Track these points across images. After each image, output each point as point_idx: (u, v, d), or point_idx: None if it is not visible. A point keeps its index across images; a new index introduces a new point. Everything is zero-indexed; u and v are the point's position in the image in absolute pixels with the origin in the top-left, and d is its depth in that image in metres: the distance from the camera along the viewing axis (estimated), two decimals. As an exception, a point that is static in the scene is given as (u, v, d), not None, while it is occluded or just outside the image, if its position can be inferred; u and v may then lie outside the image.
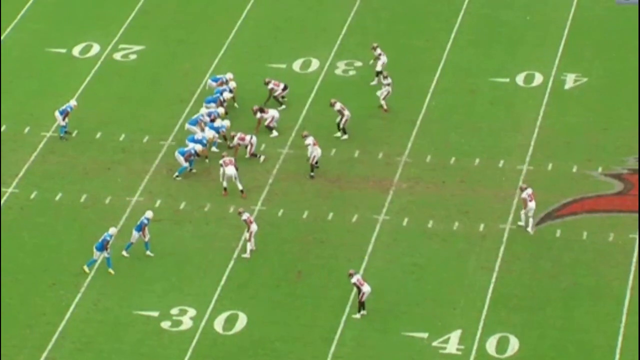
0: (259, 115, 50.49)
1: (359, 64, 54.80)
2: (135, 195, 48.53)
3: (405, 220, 47.09)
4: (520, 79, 53.15)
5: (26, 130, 51.25)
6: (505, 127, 50.89)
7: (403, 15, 57.63)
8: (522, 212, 45.89)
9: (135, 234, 45.29)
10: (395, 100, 52.24)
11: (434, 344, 42.28)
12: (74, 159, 49.48)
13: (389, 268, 45.20)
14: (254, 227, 45.16)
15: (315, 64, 55.00)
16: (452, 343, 42.28)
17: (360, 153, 50.06)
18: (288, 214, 47.56)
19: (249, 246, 45.34)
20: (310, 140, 48.60)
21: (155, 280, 44.95)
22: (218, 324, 43.35)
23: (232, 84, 51.78)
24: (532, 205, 45.41)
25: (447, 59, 54.76)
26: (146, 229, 45.09)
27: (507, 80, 52.83)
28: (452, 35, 56.09)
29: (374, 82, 52.56)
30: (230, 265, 45.41)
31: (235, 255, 45.73)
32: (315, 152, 48.42)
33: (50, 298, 44.24)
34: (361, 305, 43.08)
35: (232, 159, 47.80)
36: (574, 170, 48.82)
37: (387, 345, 42.18)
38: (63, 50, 55.96)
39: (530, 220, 45.79)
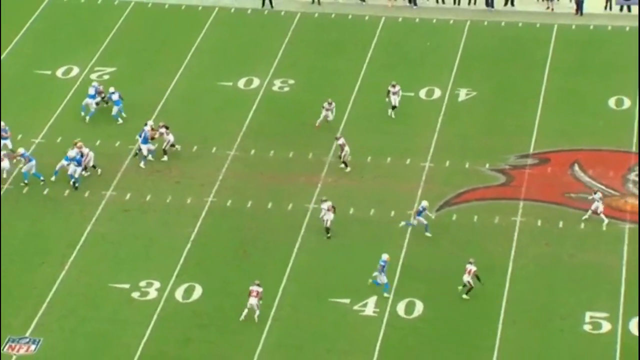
0: (163, 130, 49.71)
1: (292, 81, 54.77)
2: (109, 190, 48.28)
3: (331, 208, 47.19)
4: (422, 93, 53.31)
5: (19, 137, 50.83)
6: (411, 132, 51.05)
7: (328, 43, 57.62)
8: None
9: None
10: (320, 110, 52.22)
11: (355, 307, 42.37)
12: (58, 162, 49.00)
13: (319, 247, 45.22)
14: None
15: (256, 81, 54.90)
16: (370, 307, 42.38)
17: (294, 154, 50.03)
18: (235, 204, 47.48)
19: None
20: (342, 140, 48.58)
21: (127, 259, 44.83)
22: (178, 294, 43.28)
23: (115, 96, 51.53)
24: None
25: (364, 78, 54.82)
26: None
27: (412, 94, 52.97)
28: (367, 59, 56.14)
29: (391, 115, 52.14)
30: (187, 247, 45.32)
31: (192, 238, 45.63)
32: (346, 149, 48.49)
33: (40, 274, 43.99)
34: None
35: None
36: (467, 166, 49.02)
37: (317, 310, 42.24)
38: (48, 72, 55.53)
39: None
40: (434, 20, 59.06)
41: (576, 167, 48.72)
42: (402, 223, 45.32)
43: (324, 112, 50.88)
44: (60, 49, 57.21)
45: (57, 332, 41.58)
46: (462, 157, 49.34)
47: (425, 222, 45.02)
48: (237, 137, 51.08)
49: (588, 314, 41.59)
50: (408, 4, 60.25)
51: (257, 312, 41.26)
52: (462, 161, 49.15)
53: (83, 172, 48.12)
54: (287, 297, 42.90)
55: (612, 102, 52.44)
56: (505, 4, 59.73)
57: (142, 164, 49.18)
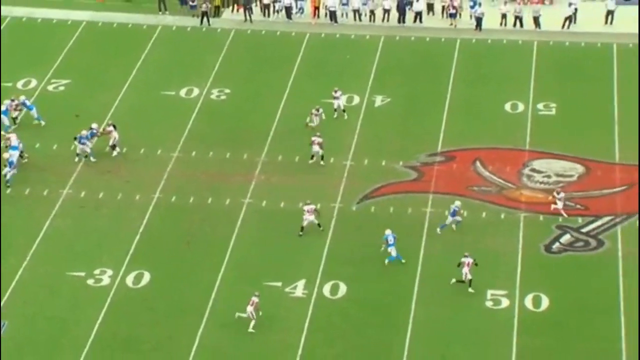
0: (110, 128, 49.29)
1: (228, 90, 54.39)
2: (66, 188, 47.59)
3: (264, 202, 46.85)
4: (343, 101, 53.10)
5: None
6: (334, 134, 50.85)
7: (259, 56, 57.32)
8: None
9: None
10: (254, 117, 52.08)
11: (286, 290, 42.15)
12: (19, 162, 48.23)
13: (253, 236, 44.95)
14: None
15: (196, 91, 54.43)
16: (299, 289, 42.19)
17: (230, 155, 49.67)
18: (179, 200, 47.02)
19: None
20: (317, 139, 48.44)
21: (82, 250, 44.21)
22: (129, 281, 42.75)
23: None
24: None
25: (291, 87, 54.58)
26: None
27: (331, 101, 52.78)
28: (294, 70, 55.91)
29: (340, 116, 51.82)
30: (137, 238, 44.79)
31: (141, 230, 45.11)
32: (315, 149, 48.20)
33: (4, 265, 43.16)
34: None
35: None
36: (383, 164, 48.97)
37: (253, 291, 41.82)
38: (9, 84, 54.60)
39: None
40: (353, 36, 58.98)
41: (478, 164, 48.86)
42: (439, 229, 44.41)
43: (313, 118, 50.37)
44: (20, 64, 56.21)
45: (20, 317, 40.84)
46: (379, 155, 49.26)
47: (459, 219, 44.36)
48: (180, 140, 50.61)
49: (490, 292, 41.71)
50: (329, 22, 60.10)
51: (253, 322, 39.93)
52: (379, 159, 49.08)
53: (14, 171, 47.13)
54: (226, 282, 42.56)
55: (507, 107, 52.66)
56: (415, 21, 59.79)
57: (92, 159, 48.51)
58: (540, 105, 52.50)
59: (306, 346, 39.68)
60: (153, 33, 59.24)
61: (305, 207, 44.72)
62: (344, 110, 51.66)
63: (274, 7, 60.77)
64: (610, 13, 58.67)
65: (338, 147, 49.93)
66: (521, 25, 59.03)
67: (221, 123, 51.86)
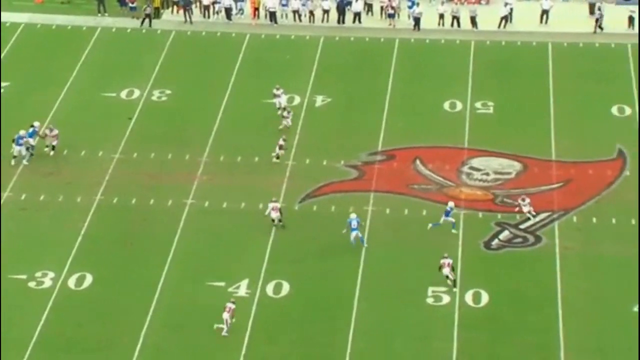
0: (48, 131, 49.17)
1: (169, 92, 54.35)
2: (6, 191, 47.27)
3: (206, 202, 46.92)
4: (284, 100, 53.28)
5: None
6: (275, 134, 50.90)
7: (200, 57, 57.35)
8: None
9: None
10: (196, 118, 52.08)
11: (230, 289, 42.27)
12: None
13: (196, 236, 44.99)
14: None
15: (137, 92, 54.32)
16: (242, 289, 42.32)
17: (172, 156, 49.64)
18: (121, 201, 46.92)
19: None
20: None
21: (24, 253, 43.95)
22: (71, 283, 42.57)
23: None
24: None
25: (232, 87, 54.69)
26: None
27: (272, 101, 52.88)
28: (235, 71, 56.01)
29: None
30: (79, 240, 44.62)
31: (83, 232, 44.97)
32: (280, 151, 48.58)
33: (-55, 269, 42.93)
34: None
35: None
36: (324, 163, 49.24)
37: (196, 293, 42.01)
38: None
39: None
40: (293, 36, 59.21)
41: (418, 162, 49.33)
42: (430, 225, 44.63)
43: (284, 120, 50.37)
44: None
45: (-38, 320, 40.62)
46: (320, 155, 49.52)
47: (452, 220, 44.49)
48: (121, 141, 50.48)
49: (430, 289, 42.14)
50: (269, 22, 60.28)
51: (226, 328, 39.81)
52: (320, 159, 49.34)
53: None
54: (169, 283, 42.55)
55: (446, 105, 53.20)
56: (354, 21, 60.18)
57: (25, 162, 48.32)
58: (478, 104, 53.13)
59: (250, 345, 39.83)
60: (92, 35, 59.01)
61: (270, 204, 44.74)
62: (284, 108, 51.86)
63: (214, 8, 60.83)
64: (545, 12, 59.53)
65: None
66: (458, 25, 59.68)
67: (162, 124, 51.83)
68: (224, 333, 39.85)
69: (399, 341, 39.92)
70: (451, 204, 44.86)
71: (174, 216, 45.96)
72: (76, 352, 39.58)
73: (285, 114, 50.85)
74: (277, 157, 48.87)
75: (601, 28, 58.11)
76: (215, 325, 40.04)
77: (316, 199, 47.06)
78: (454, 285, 41.76)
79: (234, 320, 39.97)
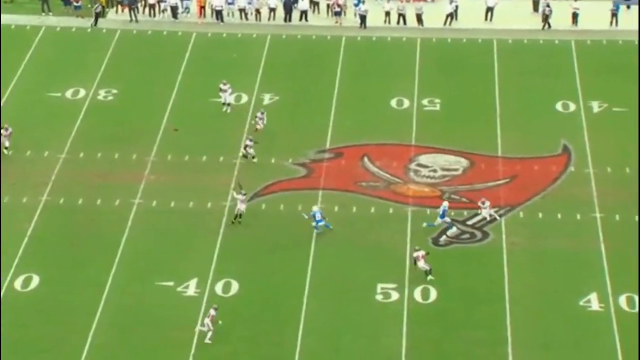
0: (4, 131, 48.79)
1: (115, 91, 54.05)
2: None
3: (154, 202, 46.72)
4: (232, 99, 53.23)
5: None
6: (222, 132, 50.97)
7: (146, 56, 57.14)
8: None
9: None
10: (142, 117, 51.84)
11: (178, 289, 42.12)
12: None
13: (144, 236, 44.79)
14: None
15: (82, 92, 53.95)
16: (191, 288, 42.19)
17: (119, 155, 49.36)
18: (67, 201, 46.57)
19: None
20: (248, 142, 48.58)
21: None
22: (17, 284, 42.17)
23: None
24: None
25: (179, 86, 54.51)
26: None
27: (219, 100, 52.74)
28: (182, 69, 55.82)
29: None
30: (25, 241, 44.24)
31: (29, 233, 44.60)
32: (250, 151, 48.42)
33: None
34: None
35: None
36: (273, 161, 49.23)
37: (144, 292, 41.82)
38: None
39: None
40: (239, 35, 59.13)
41: (366, 160, 49.48)
42: (425, 224, 44.63)
43: (258, 121, 50.11)
44: None
45: None
46: (268, 153, 49.48)
47: (449, 220, 44.44)
48: (67, 141, 50.12)
49: (379, 286, 42.30)
50: (216, 21, 60.13)
51: (209, 334, 39.46)
52: (268, 157, 49.31)
53: None
54: (117, 283, 42.30)
55: (393, 103, 53.42)
56: (300, 19, 60.21)
57: None
58: (425, 101, 53.39)
59: (199, 344, 39.70)
60: (37, 34, 58.53)
61: (238, 196, 44.64)
62: (228, 104, 51.76)
63: (160, 6, 60.57)
64: (489, 10, 59.96)
65: (226, 145, 50.03)
66: (404, 22, 59.93)
67: (109, 123, 51.52)
68: (207, 340, 39.50)
69: (349, 338, 40.01)
70: (446, 203, 44.71)
71: (122, 216, 45.70)
72: (23, 353, 39.20)
73: (259, 114, 50.49)
74: (245, 156, 48.50)
75: (549, 25, 58.52)
76: (197, 328, 39.74)
77: (264, 197, 47.03)
78: (429, 274, 42.01)
79: (220, 322, 39.59)
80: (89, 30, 59.18)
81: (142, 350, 39.54)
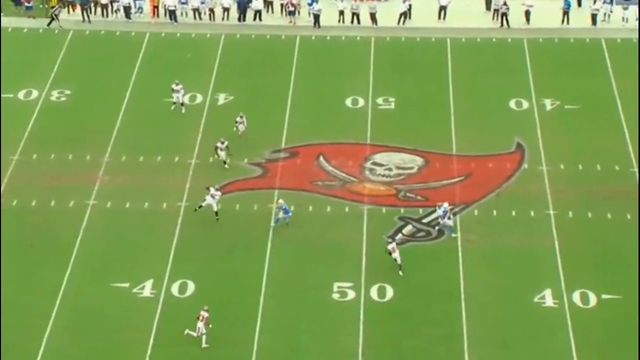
0: None
1: (68, 92, 53.69)
2: None
3: (109, 203, 46.48)
4: (186, 99, 53.03)
5: None
6: (177, 133, 50.84)
7: (99, 56, 56.77)
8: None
9: None
10: (96, 118, 51.56)
11: (134, 290, 41.95)
12: None
13: (98, 237, 44.57)
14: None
15: (35, 93, 53.54)
16: (147, 289, 42.04)
17: (73, 156, 49.08)
18: (20, 203, 46.19)
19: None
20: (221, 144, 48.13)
21: None
22: (-28, 287, 41.92)
23: None
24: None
25: (133, 86, 54.25)
26: None
27: (173, 99, 52.57)
28: (136, 69, 55.55)
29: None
30: (-21, 243, 44.02)
31: (-18, 236, 44.40)
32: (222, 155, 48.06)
33: None
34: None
35: None
36: (228, 161, 49.11)
37: (100, 294, 41.60)
38: None
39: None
40: (193, 35, 58.95)
41: (321, 159, 49.53)
42: (436, 227, 44.71)
43: (238, 126, 49.77)
44: None
45: None
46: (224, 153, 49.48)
47: (450, 223, 44.35)
48: (20, 143, 49.72)
49: (336, 285, 42.38)
50: (169, 21, 59.92)
51: (204, 336, 39.23)
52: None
53: None
54: (71, 285, 42.05)
55: (348, 102, 53.51)
56: (254, 19, 60.15)
57: None
58: (379, 100, 53.55)
59: (155, 345, 39.58)
60: (-13, 35, 58.06)
61: (213, 191, 44.67)
62: (182, 104, 51.65)
63: (112, 6, 60.25)
64: (443, 9, 60.23)
65: (182, 146, 49.89)
66: (358, 21, 60.05)
67: (62, 124, 51.19)
68: (203, 344, 39.24)
69: (305, 337, 40.05)
70: (445, 204, 44.66)
71: (76, 217, 45.44)
72: (-22, 358, 38.96)
73: (238, 118, 50.19)
74: (220, 158, 48.25)
75: (507, 24, 58.78)
76: (186, 331, 39.50)
77: (220, 197, 46.91)
78: (400, 269, 42.33)
79: (210, 326, 39.35)
80: (40, 30, 58.72)
81: (98, 352, 39.34)
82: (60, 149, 49.37)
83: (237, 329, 40.35)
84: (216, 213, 44.81)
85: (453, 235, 44.47)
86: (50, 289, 41.46)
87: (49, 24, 58.90)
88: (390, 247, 42.58)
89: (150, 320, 40.50)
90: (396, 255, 42.43)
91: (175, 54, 57.17)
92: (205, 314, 39.38)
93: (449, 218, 44.44)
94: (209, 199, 44.85)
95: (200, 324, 39.27)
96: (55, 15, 58.82)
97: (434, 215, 45.80)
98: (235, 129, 49.82)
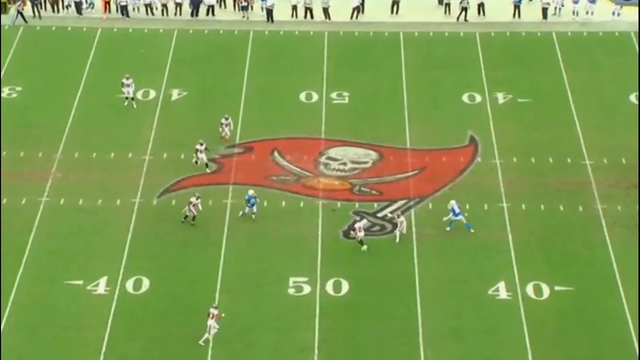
0: None
1: (19, 88, 53.25)
2: None
3: (62, 200, 46.20)
4: (140, 94, 52.89)
5: None
6: (131, 129, 50.64)
7: (52, 53, 56.39)
8: None
9: None
10: (48, 114, 51.19)
11: (88, 288, 41.75)
12: None
13: (51, 235, 44.31)
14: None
15: (-15, 90, 53.31)
16: (101, 286, 41.85)
17: (25, 153, 48.71)
18: (-28, 201, 45.91)
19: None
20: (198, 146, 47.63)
21: None
22: None
23: None
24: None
25: (85, 81, 53.93)
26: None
27: (124, 94, 52.33)
28: (88, 65, 55.22)
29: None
30: None
31: None
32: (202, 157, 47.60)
33: None
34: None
35: None
36: (182, 157, 48.98)
37: (54, 291, 41.35)
38: None
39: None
40: (146, 30, 58.68)
41: (276, 154, 49.53)
42: (447, 228, 44.31)
43: (224, 128, 49.26)
44: None
45: None
46: (178, 149, 49.25)
47: (463, 220, 44.18)
48: (-32, 141, 49.42)
49: (292, 279, 42.44)
50: (121, 16, 59.59)
51: (213, 332, 38.97)
52: (178, 153, 49.07)
53: None
54: (24, 283, 41.76)
55: (302, 97, 53.55)
56: (207, 14, 59.98)
57: None
58: (333, 94, 53.63)
59: (110, 342, 39.42)
60: None
61: (194, 201, 44.48)
62: (132, 99, 51.45)
63: (63, 2, 59.82)
64: (395, 3, 60.41)
65: (135, 142, 49.71)
66: (311, 16, 60.08)
67: (14, 121, 50.74)
68: (208, 337, 39.05)
69: (261, 332, 40.07)
70: (453, 201, 44.46)
71: (29, 215, 45.11)
72: None
73: (223, 120, 49.73)
74: (196, 162, 47.75)
75: (466, 18, 59.07)
76: (201, 342, 39.07)
77: (175, 193, 46.81)
78: (363, 243, 43.10)
79: (223, 315, 39.29)
80: (-9, 26, 58.27)
81: (52, 350, 39.11)
82: (11, 146, 48.97)
83: (192, 325, 40.23)
84: (193, 217, 44.57)
85: (472, 230, 44.30)
86: (2, 287, 41.11)
87: (14, 22, 58.31)
88: (357, 225, 42.90)
89: (105, 317, 40.34)
90: (361, 234, 42.70)
91: (127, 50, 56.89)
92: (215, 311, 39.15)
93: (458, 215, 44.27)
94: (192, 209, 44.46)
95: (211, 322, 39.04)
96: (19, 12, 58.26)
97: (388, 210, 45.95)
98: (220, 130, 49.34)
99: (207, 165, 47.62)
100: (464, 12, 59.10)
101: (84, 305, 40.93)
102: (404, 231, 43.03)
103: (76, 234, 44.37)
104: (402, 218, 43.65)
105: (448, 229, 44.52)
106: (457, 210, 44.32)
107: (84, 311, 40.69)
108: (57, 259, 43.13)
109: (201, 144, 47.76)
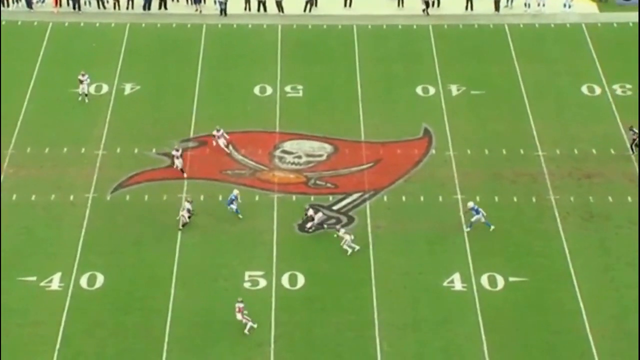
0: None
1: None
2: None
3: (14, 195, 45.85)
4: (93, 89, 52.50)
5: None
6: (84, 123, 50.36)
7: (2, 48, 55.76)
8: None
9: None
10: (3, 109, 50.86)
11: (41, 284, 41.46)
12: None
13: (5, 231, 44.00)
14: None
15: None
16: (55, 282, 41.60)
17: (-24, 149, 48.37)
18: None
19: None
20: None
21: None
22: None
23: None
24: None
25: (36, 79, 53.49)
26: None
27: (79, 90, 52.02)
28: (39, 59, 54.76)
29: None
30: None
31: None
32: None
33: None
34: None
35: None
36: (136, 152, 48.80)
37: (6, 287, 41.08)
38: None
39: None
40: (97, 24, 58.28)
41: (231, 148, 49.43)
42: (467, 229, 44.02)
43: (219, 140, 48.60)
44: None
45: None
46: (132, 144, 49.04)
47: (482, 218, 43.91)
48: None
49: (247, 273, 42.41)
50: (72, 10, 59.14)
51: (248, 326, 39.36)
52: (131, 148, 48.85)
53: None
54: (-22, 280, 41.43)
55: (257, 90, 53.45)
56: (160, 7, 59.68)
57: None
58: (287, 88, 53.60)
59: (64, 338, 39.20)
60: None
61: (187, 205, 44.21)
62: (86, 95, 51.12)
63: (14, -4, 59.37)
64: (349, -4, 60.50)
65: (88, 137, 49.43)
66: (265, 9, 59.98)
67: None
68: (250, 326, 39.42)
69: (217, 327, 40.01)
70: (470, 203, 44.23)
71: (-19, 211, 44.76)
72: None
73: (215, 132, 48.81)
74: (175, 166, 47.15)
75: (427, 12, 59.14)
76: (246, 331, 39.38)
77: (128, 188, 46.60)
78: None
79: (246, 315, 39.45)
80: (-60, 21, 57.59)
81: (6, 347, 38.82)
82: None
83: (147, 321, 40.12)
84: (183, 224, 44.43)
85: (491, 228, 44.26)
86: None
87: None
88: (310, 212, 43.29)
89: (59, 313, 40.09)
90: (318, 215, 43.48)
91: (79, 44, 56.50)
92: (241, 305, 39.29)
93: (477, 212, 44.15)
94: (184, 213, 44.18)
95: (239, 316, 39.22)
96: None
97: (343, 203, 46.05)
98: (214, 144, 48.86)
99: (182, 171, 47.14)
100: (426, 6, 59.04)
101: (38, 302, 40.68)
102: (352, 243, 42.87)
103: (29, 229, 44.04)
104: (342, 232, 43.11)
105: (468, 229, 44.22)
106: (478, 210, 44.06)
107: (38, 307, 40.44)
108: (10, 255, 42.78)
109: (177, 150, 47.40)
